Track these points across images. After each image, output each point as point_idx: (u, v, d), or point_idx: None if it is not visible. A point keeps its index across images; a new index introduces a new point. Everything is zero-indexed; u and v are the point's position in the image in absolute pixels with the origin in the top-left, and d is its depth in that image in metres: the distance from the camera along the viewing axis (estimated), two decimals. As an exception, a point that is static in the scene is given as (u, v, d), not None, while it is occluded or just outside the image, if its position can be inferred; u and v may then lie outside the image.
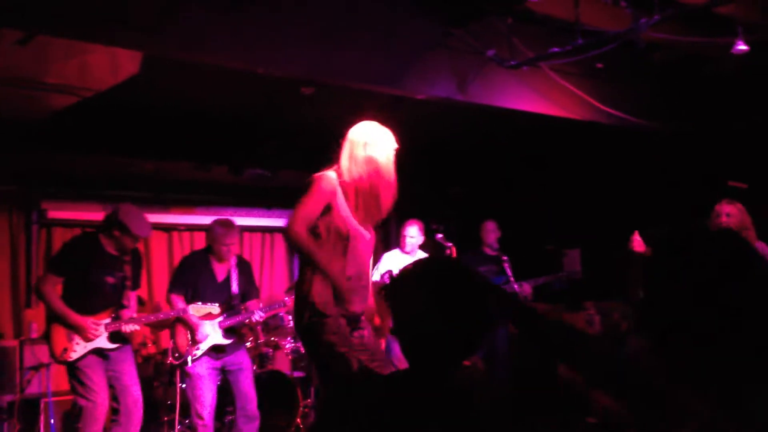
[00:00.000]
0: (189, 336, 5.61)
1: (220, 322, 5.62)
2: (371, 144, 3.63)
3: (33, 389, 6.47)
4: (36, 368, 6.39)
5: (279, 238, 8.84)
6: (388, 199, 3.68)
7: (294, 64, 4.49)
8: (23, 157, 6.56)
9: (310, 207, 3.55)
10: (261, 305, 5.94)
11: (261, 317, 5.82)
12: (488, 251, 7.00)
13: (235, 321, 5.70)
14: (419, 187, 7.78)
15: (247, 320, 5.79)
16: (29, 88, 4.79)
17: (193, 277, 5.63)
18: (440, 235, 6.49)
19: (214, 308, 5.47)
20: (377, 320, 3.80)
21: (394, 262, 6.64)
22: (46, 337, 5.18)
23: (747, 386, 1.46)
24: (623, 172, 7.11)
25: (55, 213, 7.23)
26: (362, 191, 3.62)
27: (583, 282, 6.86)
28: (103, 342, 5.11)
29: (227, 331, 5.65)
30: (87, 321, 5.05)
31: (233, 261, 5.78)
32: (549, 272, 6.90)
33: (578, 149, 7.14)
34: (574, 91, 5.33)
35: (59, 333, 5.07)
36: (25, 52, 4.34)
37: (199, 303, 5.46)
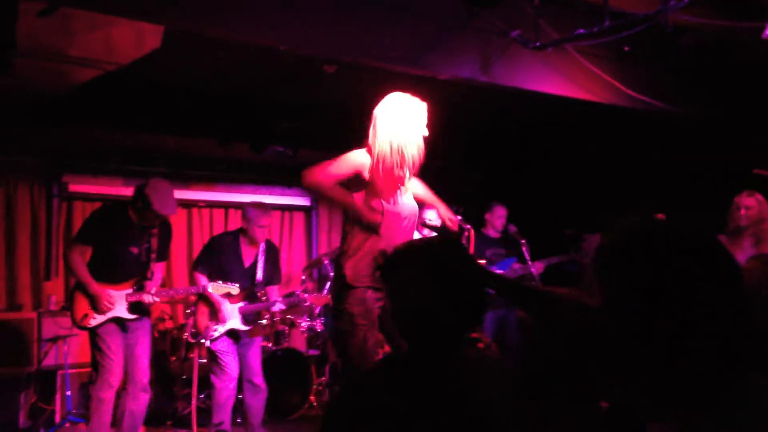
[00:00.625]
0: (209, 316, 5.66)
1: (240, 308, 5.65)
2: (395, 121, 3.62)
3: (50, 361, 6.55)
4: (54, 340, 6.46)
5: (298, 216, 8.85)
6: (411, 170, 3.71)
7: (317, 42, 4.46)
8: (45, 130, 6.59)
9: (336, 165, 3.60)
10: (281, 297, 6.00)
11: (280, 309, 5.86)
12: (493, 234, 6.98)
13: (254, 308, 5.73)
14: (439, 168, 7.74)
15: (266, 309, 5.83)
16: (53, 60, 4.78)
17: (220, 259, 5.66)
18: (459, 217, 6.44)
19: (234, 288, 5.48)
20: None
21: None
22: (69, 303, 5.26)
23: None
24: (647, 157, 7.04)
25: (76, 187, 7.27)
26: (386, 168, 3.62)
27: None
28: (122, 312, 5.16)
29: (246, 318, 5.69)
30: (105, 292, 5.10)
31: (262, 246, 5.79)
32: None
33: (602, 133, 7.06)
34: (599, 74, 5.25)
35: (81, 300, 5.14)
36: (48, 24, 4.33)
37: (220, 282, 5.48)
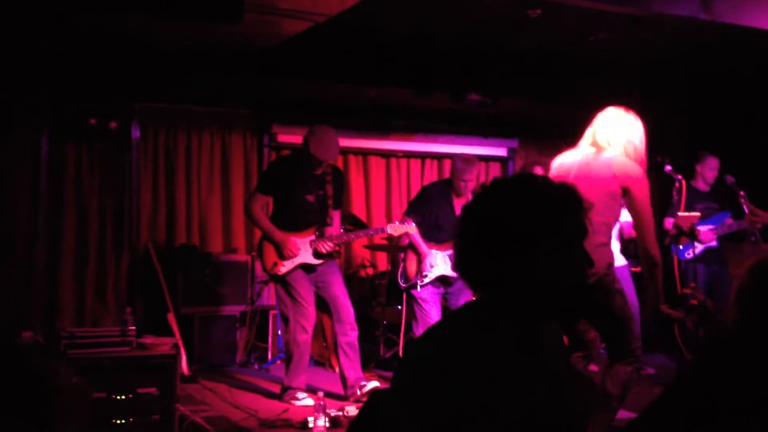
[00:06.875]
0: (418, 262, 5.79)
1: (450, 254, 5.72)
2: (641, 139, 3.92)
3: (263, 301, 6.99)
4: (265, 282, 6.87)
5: (494, 167, 8.76)
6: None
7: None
8: (258, 82, 6.91)
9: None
10: None
11: None
12: (703, 186, 6.52)
13: None
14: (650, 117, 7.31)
15: None
16: (265, 13, 4.98)
17: (432, 208, 5.78)
18: (669, 168, 6.11)
19: (411, 228, 5.65)
20: None
21: None
22: (259, 253, 5.56)
23: None
24: None
25: (284, 137, 7.59)
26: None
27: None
28: (308, 258, 5.39)
29: None
30: (289, 239, 5.33)
31: (470, 196, 5.82)
32: None
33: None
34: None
35: (269, 250, 5.42)
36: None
37: (396, 222, 5.67)
